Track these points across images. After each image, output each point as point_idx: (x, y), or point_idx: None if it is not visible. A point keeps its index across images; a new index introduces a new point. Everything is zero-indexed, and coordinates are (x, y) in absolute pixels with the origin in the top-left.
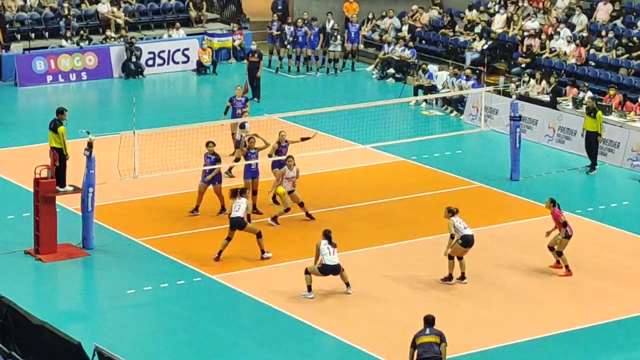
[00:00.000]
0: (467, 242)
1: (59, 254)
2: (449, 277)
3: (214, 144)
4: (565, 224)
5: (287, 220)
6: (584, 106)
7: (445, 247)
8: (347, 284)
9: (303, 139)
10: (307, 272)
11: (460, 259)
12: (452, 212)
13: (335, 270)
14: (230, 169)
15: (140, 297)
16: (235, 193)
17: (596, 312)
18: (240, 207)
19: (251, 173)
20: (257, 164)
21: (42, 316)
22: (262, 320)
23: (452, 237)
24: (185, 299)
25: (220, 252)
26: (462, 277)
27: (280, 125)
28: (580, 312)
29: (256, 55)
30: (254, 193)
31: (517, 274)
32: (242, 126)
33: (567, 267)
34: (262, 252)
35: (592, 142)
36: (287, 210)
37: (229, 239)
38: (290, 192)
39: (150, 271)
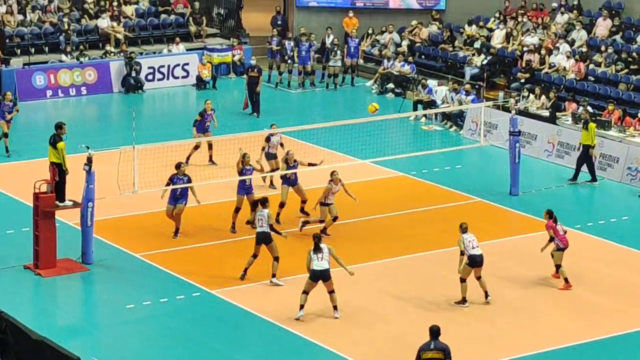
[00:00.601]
0: (472, 261)
1: (59, 269)
2: (463, 301)
3: (185, 164)
4: (552, 238)
5: (290, 235)
6: (576, 117)
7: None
8: (335, 307)
9: (310, 165)
10: (304, 291)
11: (479, 278)
12: (462, 228)
13: (323, 276)
14: (271, 182)
15: (140, 311)
16: (256, 204)
17: (596, 328)
18: (263, 221)
19: (245, 189)
20: (251, 180)
21: (42, 331)
22: (261, 336)
23: (461, 253)
24: (184, 314)
25: (245, 270)
26: (486, 295)
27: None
28: (580, 327)
29: (256, 70)
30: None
31: (516, 289)
32: (268, 139)
33: (566, 279)
34: (273, 275)
35: (586, 155)
36: (321, 221)
37: (255, 255)
38: (328, 205)
39: (150, 286)
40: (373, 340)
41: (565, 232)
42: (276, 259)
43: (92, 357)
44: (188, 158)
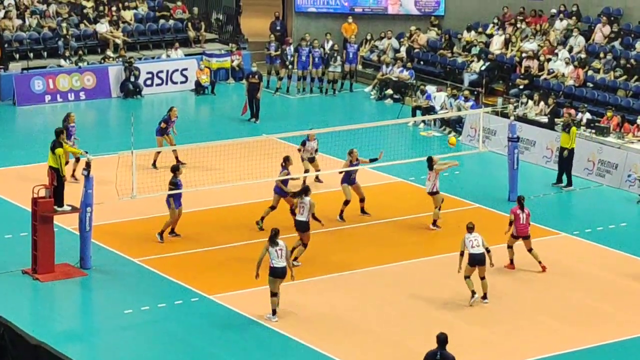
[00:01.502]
0: (471, 260)
1: (57, 274)
2: (472, 294)
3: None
4: (511, 223)
5: (289, 241)
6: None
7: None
8: (274, 312)
9: (372, 160)
10: (272, 294)
11: (482, 278)
12: (467, 228)
13: (283, 273)
14: (316, 177)
15: (138, 317)
16: (299, 193)
17: (595, 333)
18: (304, 209)
19: (280, 190)
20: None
21: (40, 336)
22: (259, 341)
23: (461, 254)
24: (182, 319)
25: (296, 258)
26: (484, 297)
27: (279, 145)
28: (579, 333)
29: (256, 76)
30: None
31: (515, 295)
32: (304, 143)
33: (511, 260)
34: (295, 259)
35: (566, 157)
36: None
37: (304, 244)
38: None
39: (148, 291)
40: (372, 345)
41: (528, 223)
42: (305, 245)
43: None
44: (154, 163)
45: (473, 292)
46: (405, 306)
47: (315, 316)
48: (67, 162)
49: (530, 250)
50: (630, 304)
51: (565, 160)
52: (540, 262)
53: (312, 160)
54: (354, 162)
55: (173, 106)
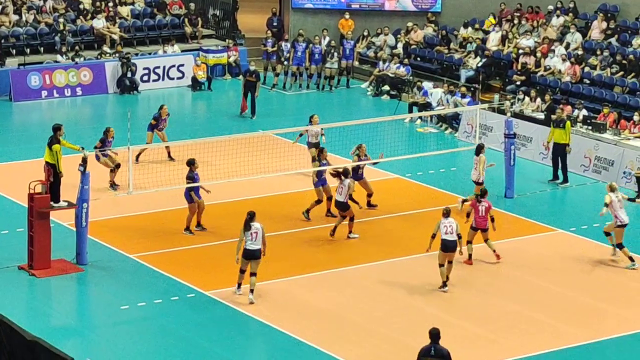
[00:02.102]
0: (443, 246)
1: (53, 270)
2: (443, 285)
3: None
4: (468, 214)
5: (284, 237)
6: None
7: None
8: (252, 291)
9: (373, 164)
10: (240, 270)
11: (449, 262)
12: (443, 213)
13: (254, 255)
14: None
15: (134, 312)
16: (338, 175)
17: (591, 330)
18: (343, 190)
19: (322, 181)
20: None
21: (36, 332)
22: (255, 337)
23: (432, 236)
24: (178, 315)
25: (350, 232)
26: (444, 284)
27: (275, 141)
28: (576, 330)
29: (254, 75)
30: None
31: (512, 292)
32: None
33: (469, 255)
34: (350, 232)
35: (561, 154)
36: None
37: (351, 219)
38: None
39: (144, 287)
40: (370, 342)
41: (490, 217)
42: (352, 218)
43: (86, 358)
44: (138, 156)
45: (444, 283)
46: (401, 302)
47: (310, 312)
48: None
49: (486, 240)
50: (625, 300)
51: (561, 157)
52: (494, 251)
53: (316, 145)
54: (362, 157)
55: (163, 104)
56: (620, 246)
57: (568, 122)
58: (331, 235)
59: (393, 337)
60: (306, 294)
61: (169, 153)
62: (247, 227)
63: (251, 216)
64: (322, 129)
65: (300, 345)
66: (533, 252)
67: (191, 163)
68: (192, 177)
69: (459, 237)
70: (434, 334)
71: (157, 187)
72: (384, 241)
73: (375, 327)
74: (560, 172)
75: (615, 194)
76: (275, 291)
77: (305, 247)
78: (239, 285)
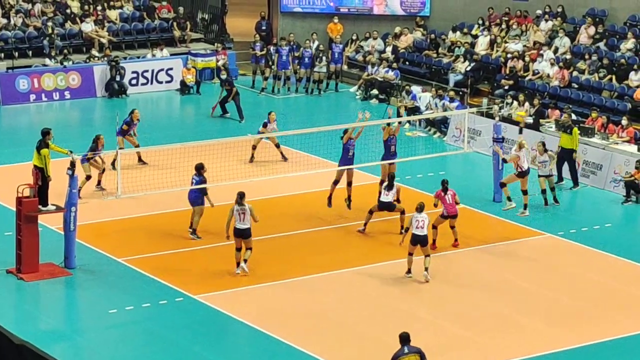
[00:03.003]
0: (413, 240)
1: (41, 273)
2: (408, 271)
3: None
4: (435, 205)
5: (273, 241)
6: (559, 123)
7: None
8: (245, 260)
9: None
10: (236, 249)
11: (426, 256)
12: (417, 207)
13: (243, 234)
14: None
15: (122, 316)
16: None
17: (579, 334)
18: (390, 193)
19: (348, 160)
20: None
21: (24, 335)
22: (244, 341)
23: (406, 229)
24: (167, 319)
25: (402, 226)
26: (408, 272)
27: (263, 145)
28: (563, 334)
29: (227, 83)
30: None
31: (499, 295)
32: (265, 125)
33: (434, 241)
34: (402, 227)
35: (568, 159)
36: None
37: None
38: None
39: (132, 291)
40: (355, 343)
41: (457, 203)
42: (402, 212)
43: None
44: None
45: (409, 270)
46: (386, 304)
47: (298, 315)
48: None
49: (452, 227)
50: (614, 305)
51: (568, 162)
52: (456, 239)
53: (277, 146)
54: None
55: (135, 108)
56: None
57: (575, 129)
58: (362, 231)
59: (377, 338)
60: (294, 297)
61: (139, 157)
62: (239, 203)
63: (241, 196)
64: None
65: (286, 347)
66: (521, 256)
67: (200, 167)
68: (204, 181)
69: (434, 227)
70: (405, 337)
71: (145, 191)
72: (372, 245)
73: (361, 329)
74: (563, 175)
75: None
76: (262, 294)
77: (291, 251)
78: (238, 264)
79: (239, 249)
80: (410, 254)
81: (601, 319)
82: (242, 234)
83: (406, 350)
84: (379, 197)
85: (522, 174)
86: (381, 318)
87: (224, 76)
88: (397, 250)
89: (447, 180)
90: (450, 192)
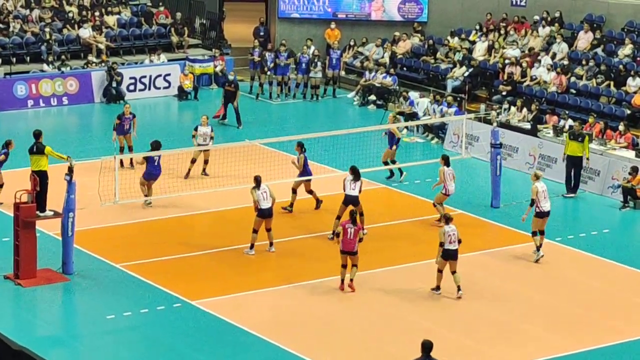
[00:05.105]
0: (445, 254)
1: (39, 279)
2: (437, 288)
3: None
4: (338, 234)
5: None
6: (566, 133)
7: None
8: (271, 244)
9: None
10: (254, 230)
11: (453, 272)
12: (445, 219)
13: (269, 213)
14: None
15: (120, 322)
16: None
17: (577, 340)
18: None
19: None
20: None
21: (22, 341)
22: (242, 347)
23: (440, 244)
24: (165, 325)
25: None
26: (458, 289)
27: (261, 151)
28: (562, 339)
29: (232, 85)
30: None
31: (498, 302)
32: (196, 128)
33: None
34: (333, 232)
35: (577, 166)
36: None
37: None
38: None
39: (130, 296)
40: (355, 351)
41: (356, 239)
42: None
43: None
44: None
45: (438, 287)
46: (386, 311)
47: (297, 322)
48: None
49: (354, 265)
50: (612, 310)
51: (575, 169)
52: (351, 280)
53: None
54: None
55: (126, 102)
56: (537, 233)
57: (587, 137)
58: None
59: (376, 345)
60: (293, 303)
61: (131, 160)
62: (258, 187)
63: (258, 181)
64: (212, 130)
65: (286, 355)
66: (519, 262)
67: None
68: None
69: (459, 241)
70: (427, 346)
71: (143, 197)
72: (369, 251)
73: (360, 336)
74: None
75: (540, 184)
76: (262, 301)
77: (291, 257)
78: (252, 245)
79: (256, 231)
80: (440, 271)
81: (600, 325)
82: (269, 213)
83: None
84: (344, 190)
85: (541, 215)
86: (379, 325)
87: (231, 77)
88: (397, 257)
89: (361, 210)
90: (358, 225)
